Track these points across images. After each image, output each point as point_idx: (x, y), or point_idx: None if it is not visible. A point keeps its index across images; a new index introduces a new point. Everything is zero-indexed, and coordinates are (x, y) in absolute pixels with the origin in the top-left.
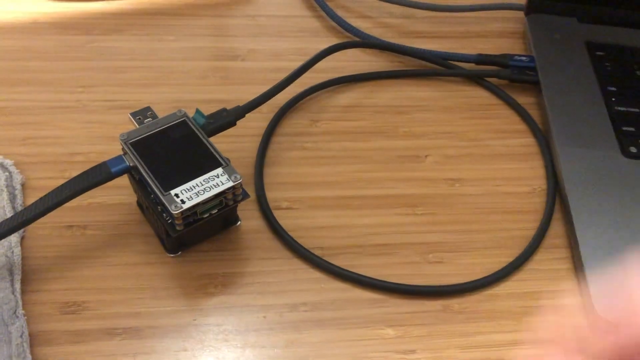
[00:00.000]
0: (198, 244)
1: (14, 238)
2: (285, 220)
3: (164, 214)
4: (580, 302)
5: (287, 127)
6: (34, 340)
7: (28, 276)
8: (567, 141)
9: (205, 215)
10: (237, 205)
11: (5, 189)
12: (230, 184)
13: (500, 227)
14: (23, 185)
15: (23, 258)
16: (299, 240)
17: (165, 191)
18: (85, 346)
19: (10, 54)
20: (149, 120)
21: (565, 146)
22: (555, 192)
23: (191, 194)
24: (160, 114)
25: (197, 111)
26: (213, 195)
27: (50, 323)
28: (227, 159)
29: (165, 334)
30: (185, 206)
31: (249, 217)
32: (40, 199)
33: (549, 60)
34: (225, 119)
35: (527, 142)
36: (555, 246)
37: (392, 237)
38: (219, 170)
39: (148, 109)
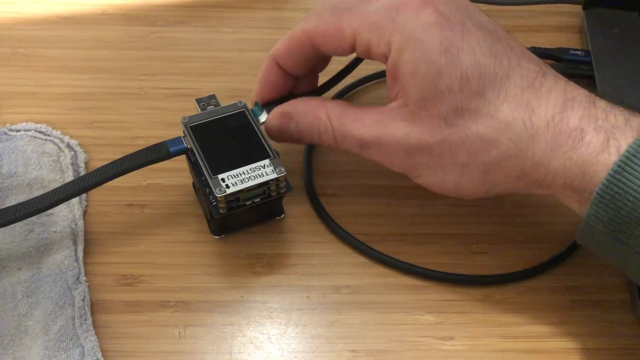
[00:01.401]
0: (241, 230)
1: (78, 212)
2: (331, 206)
3: (211, 196)
4: (625, 299)
5: None
6: (93, 308)
7: (90, 249)
8: None
9: (248, 203)
10: (282, 198)
11: (70, 167)
12: (274, 175)
13: (546, 221)
14: (87, 164)
15: (87, 232)
16: (344, 226)
17: (213, 175)
18: (139, 316)
19: (81, 43)
20: (211, 108)
21: None
22: None
23: (236, 180)
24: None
25: (256, 104)
26: (256, 184)
27: (108, 293)
28: (277, 152)
29: (213, 309)
30: (229, 191)
31: (296, 202)
32: (100, 168)
33: (606, 55)
34: None
35: None
36: None
37: (436, 227)
38: (266, 162)
39: (213, 96)
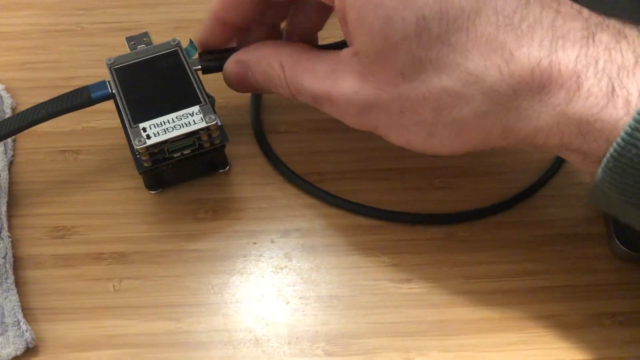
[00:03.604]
0: (179, 183)
1: (1, 162)
2: (283, 144)
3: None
4: (601, 232)
5: None
6: (23, 263)
7: (20, 200)
8: None
9: (176, 155)
10: (222, 149)
11: None
12: (203, 124)
13: (516, 150)
14: (14, 109)
15: (15, 183)
16: (297, 165)
17: (134, 124)
18: (72, 270)
19: None
20: (142, 47)
21: None
22: None
23: (159, 130)
24: (159, 35)
25: (190, 42)
26: (182, 135)
27: (39, 247)
28: (212, 97)
29: (151, 259)
30: (149, 142)
31: (243, 141)
32: (16, 115)
33: None
34: (222, 62)
35: None
36: (577, 170)
37: (396, 162)
38: (195, 109)
39: (145, 34)
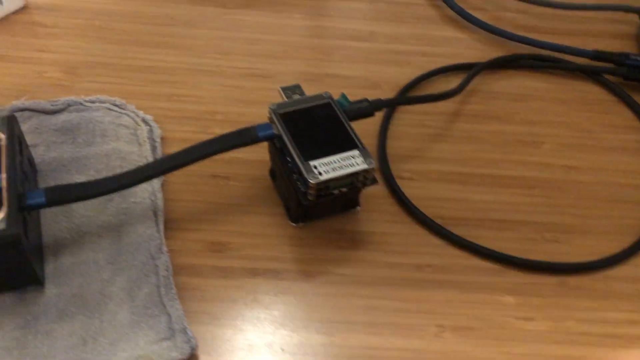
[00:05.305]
0: (318, 219)
1: (157, 185)
2: (406, 189)
3: (299, 183)
4: None
5: (407, 107)
6: (185, 271)
7: (179, 216)
8: None
9: (335, 192)
10: (361, 190)
11: (147, 140)
12: (365, 166)
13: (615, 215)
14: (162, 139)
15: (174, 200)
16: (420, 209)
17: (305, 161)
18: (230, 281)
19: (154, 20)
20: (297, 96)
21: None
22: None
23: (328, 168)
24: (288, 84)
25: (342, 95)
26: (347, 174)
27: (199, 258)
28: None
29: (301, 278)
30: (322, 178)
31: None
32: (189, 148)
33: None
34: (366, 109)
35: None
36: None
37: (509, 214)
38: (356, 152)
39: (297, 86)
